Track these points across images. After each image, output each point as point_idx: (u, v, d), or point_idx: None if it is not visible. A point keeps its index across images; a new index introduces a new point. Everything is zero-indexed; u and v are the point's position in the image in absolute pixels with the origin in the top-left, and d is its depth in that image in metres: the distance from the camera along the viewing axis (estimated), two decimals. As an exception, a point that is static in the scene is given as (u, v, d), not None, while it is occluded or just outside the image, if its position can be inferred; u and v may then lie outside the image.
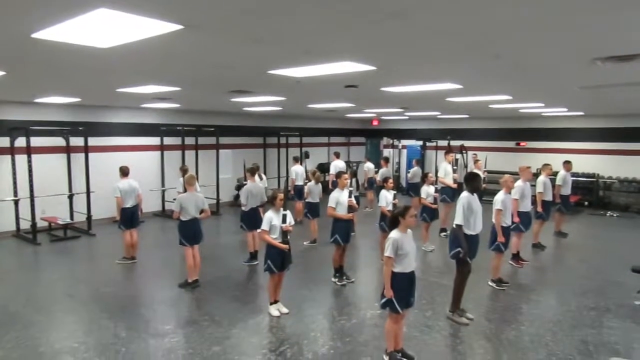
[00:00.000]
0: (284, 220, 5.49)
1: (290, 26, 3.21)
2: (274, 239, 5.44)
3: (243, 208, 7.77)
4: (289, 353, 4.68)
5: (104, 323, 5.40)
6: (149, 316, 5.67)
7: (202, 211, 6.67)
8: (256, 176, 8.02)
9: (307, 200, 9.34)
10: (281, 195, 5.58)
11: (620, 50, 3.95)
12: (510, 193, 6.97)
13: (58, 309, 5.88)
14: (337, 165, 12.08)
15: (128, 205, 7.71)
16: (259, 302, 6.17)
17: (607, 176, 13.59)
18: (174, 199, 12.02)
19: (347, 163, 16.90)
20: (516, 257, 7.78)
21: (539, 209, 8.78)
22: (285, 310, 5.71)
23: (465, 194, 5.55)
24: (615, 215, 12.65)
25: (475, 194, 5.60)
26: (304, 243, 9.11)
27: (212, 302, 6.12)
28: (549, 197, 8.91)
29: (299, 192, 10.97)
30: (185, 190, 6.77)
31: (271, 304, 5.74)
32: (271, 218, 5.46)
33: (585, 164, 13.64)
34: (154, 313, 5.80)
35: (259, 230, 5.80)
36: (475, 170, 10.93)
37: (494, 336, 5.10)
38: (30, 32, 3.31)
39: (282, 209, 5.53)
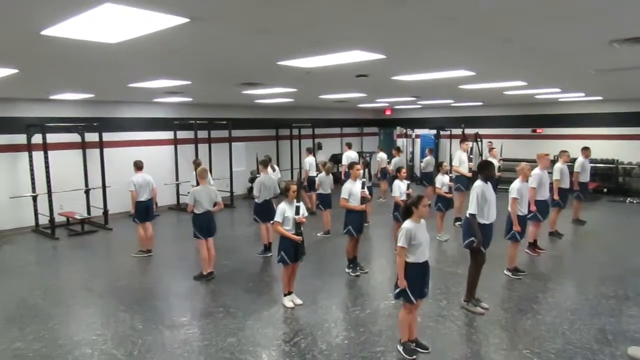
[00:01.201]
0: (297, 212, 5.47)
1: (297, 15, 3.17)
2: (287, 230, 5.43)
3: (256, 200, 7.76)
4: (303, 344, 4.70)
5: (121, 315, 5.49)
6: (165, 308, 5.75)
7: (215, 204, 6.70)
8: (269, 168, 8.01)
9: (318, 192, 9.40)
10: (294, 187, 5.56)
11: (638, 32, 3.82)
12: (527, 181, 6.85)
13: (76, 302, 5.99)
14: (350, 156, 12.06)
15: (142, 199, 7.82)
16: (273, 293, 6.21)
17: (627, 162, 13.27)
18: (188, 192, 12.27)
19: (360, 153, 16.88)
20: (533, 245, 7.67)
21: (556, 196, 8.63)
22: (299, 301, 5.74)
23: (479, 183, 5.47)
24: (635, 201, 12.38)
25: (489, 183, 5.52)
26: (318, 234, 9.13)
27: (226, 294, 6.17)
28: (566, 185, 8.75)
29: (311, 183, 10.97)
30: (198, 184, 6.80)
31: (285, 295, 5.77)
32: (284, 210, 5.44)
33: (604, 149, 13.34)
34: (169, 305, 5.88)
35: (272, 222, 5.80)
36: (490, 159, 10.83)
37: (509, 325, 5.05)
38: (39, 30, 3.34)
39: (295, 200, 5.53)
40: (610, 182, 13.31)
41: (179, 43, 4.00)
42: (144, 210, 7.86)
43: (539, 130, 15.25)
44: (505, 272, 6.63)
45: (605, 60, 5.42)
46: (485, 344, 4.69)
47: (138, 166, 7.91)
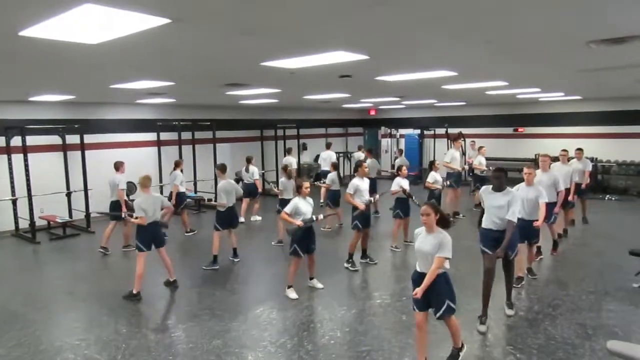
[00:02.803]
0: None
1: (279, 16, 3.17)
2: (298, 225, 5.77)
3: (219, 209, 7.32)
4: (289, 344, 4.70)
5: (105, 319, 5.42)
6: (149, 311, 5.70)
7: (162, 208, 6.35)
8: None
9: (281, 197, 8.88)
10: (307, 184, 5.97)
11: (614, 33, 3.92)
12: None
13: (58, 307, 5.90)
14: (328, 156, 12.45)
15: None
16: (258, 295, 6.20)
17: (605, 160, 13.57)
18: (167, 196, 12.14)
19: (345, 154, 16.94)
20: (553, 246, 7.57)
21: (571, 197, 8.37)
22: (320, 285, 6.22)
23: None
24: (614, 198, 12.66)
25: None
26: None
27: (212, 296, 6.14)
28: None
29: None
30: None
31: (288, 287, 5.99)
32: (297, 205, 5.82)
33: (584, 147, 13.55)
34: (154, 308, 5.83)
35: (283, 213, 5.96)
36: (480, 157, 11.07)
37: (492, 322, 5.12)
38: (17, 31, 3.28)
39: (308, 196, 5.94)
40: (589, 179, 13.54)
41: (161, 44, 3.97)
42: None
43: (520, 130, 15.49)
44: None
45: (583, 60, 5.53)
46: (470, 341, 4.73)
47: (117, 167, 8.22)
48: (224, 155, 13.42)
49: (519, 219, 5.17)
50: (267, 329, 5.10)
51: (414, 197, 7.69)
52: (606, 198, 12.71)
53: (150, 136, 12.28)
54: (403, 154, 13.91)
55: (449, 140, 14.68)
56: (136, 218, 6.02)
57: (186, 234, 9.54)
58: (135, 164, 9.72)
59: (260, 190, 10.65)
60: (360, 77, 6.74)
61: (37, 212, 9.56)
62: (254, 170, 10.49)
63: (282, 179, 8.72)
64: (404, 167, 8.10)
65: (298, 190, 6.01)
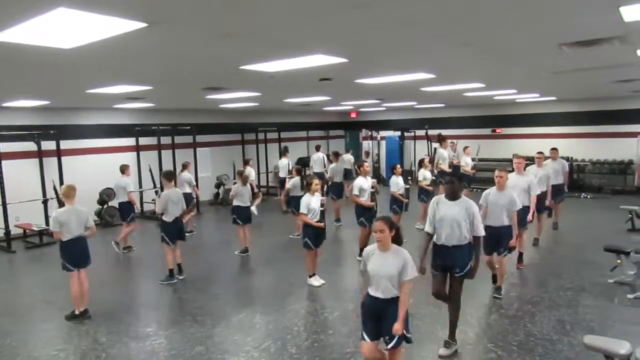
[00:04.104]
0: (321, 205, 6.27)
1: (257, 20, 3.18)
2: (311, 219, 6.15)
3: (164, 218, 6.78)
4: (272, 348, 4.68)
5: (84, 328, 5.31)
6: (130, 319, 5.60)
7: (86, 228, 5.65)
8: (173, 182, 7.18)
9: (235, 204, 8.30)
10: (316, 181, 6.29)
11: (584, 36, 4.03)
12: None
13: (36, 317, 5.75)
14: (318, 158, 12.73)
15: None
16: (241, 300, 6.16)
17: (580, 159, 13.90)
18: (153, 200, 11.99)
19: (328, 155, 16.92)
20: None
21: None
22: (322, 281, 6.44)
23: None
24: (589, 196, 12.96)
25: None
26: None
27: (193, 301, 6.07)
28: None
29: (281, 183, 11.54)
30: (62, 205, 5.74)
31: (310, 276, 6.45)
32: (309, 202, 6.14)
33: (559, 147, 13.78)
34: (135, 316, 5.73)
35: (301, 212, 6.20)
36: (465, 157, 11.26)
37: (474, 321, 5.19)
38: (-12, 35, 3.21)
39: (317, 193, 6.24)
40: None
41: (137, 48, 3.93)
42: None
43: (498, 130, 15.76)
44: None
45: (556, 62, 5.67)
46: (451, 340, 4.80)
47: (122, 170, 8.66)
48: (204, 159, 13.32)
49: (489, 226, 4.97)
50: (250, 334, 5.07)
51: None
52: (582, 196, 13.00)
53: (129, 141, 12.10)
54: (370, 156, 13.94)
55: (429, 142, 14.84)
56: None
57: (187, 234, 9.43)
58: (113, 170, 9.53)
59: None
60: (341, 80, 6.78)
61: (12, 221, 9.32)
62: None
63: (236, 185, 8.20)
64: (398, 166, 8.50)
65: (308, 188, 6.28)
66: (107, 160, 11.14)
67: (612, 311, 5.39)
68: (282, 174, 11.98)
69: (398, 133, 16.46)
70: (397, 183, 8.31)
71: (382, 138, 18.12)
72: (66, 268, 5.58)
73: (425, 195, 9.28)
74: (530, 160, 8.42)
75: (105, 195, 10.69)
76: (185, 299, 6.19)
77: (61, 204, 6.03)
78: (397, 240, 3.61)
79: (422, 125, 15.92)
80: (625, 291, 5.84)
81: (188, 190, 9.38)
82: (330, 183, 10.51)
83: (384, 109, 16.66)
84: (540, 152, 8.11)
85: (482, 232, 4.47)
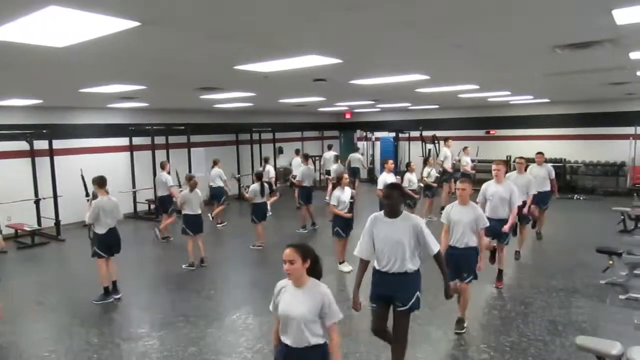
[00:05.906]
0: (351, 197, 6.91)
1: (252, 20, 3.17)
2: (341, 210, 6.78)
3: (96, 230, 6.03)
4: (266, 349, 4.66)
5: (75, 330, 5.27)
6: (122, 320, 5.57)
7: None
8: (106, 188, 6.20)
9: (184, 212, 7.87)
10: (346, 175, 7.05)
11: (577, 38, 4.05)
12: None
13: (27, 318, 5.70)
14: (327, 157, 13.34)
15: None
16: (234, 300, 6.14)
17: (573, 160, 13.99)
18: (146, 200, 11.93)
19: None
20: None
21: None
22: (350, 267, 6.83)
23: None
24: (582, 198, 13.04)
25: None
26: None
27: (186, 302, 6.04)
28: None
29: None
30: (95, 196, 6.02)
31: (340, 263, 6.97)
32: (339, 195, 6.81)
33: (552, 149, 13.99)
34: (127, 317, 5.70)
35: (332, 204, 6.90)
36: (464, 157, 11.61)
37: (466, 320, 5.19)
38: (-22, 33, 3.18)
39: (347, 187, 6.88)
40: (558, 180, 13.92)
41: (131, 47, 3.91)
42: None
43: (492, 132, 15.82)
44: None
45: (549, 64, 5.70)
46: (445, 341, 4.81)
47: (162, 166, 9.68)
48: (199, 159, 13.27)
49: (451, 247, 4.68)
50: (243, 335, 5.06)
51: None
52: (575, 197, 13.08)
53: (123, 141, 12.04)
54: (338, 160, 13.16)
55: (424, 143, 14.86)
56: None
57: (217, 225, 10.44)
58: (107, 170, 9.47)
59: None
60: (335, 80, 6.78)
61: (4, 221, 9.26)
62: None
63: (184, 192, 7.54)
64: (390, 161, 8.48)
65: (338, 182, 6.95)
66: (100, 160, 11.09)
67: (604, 312, 5.42)
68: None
69: (393, 134, 16.48)
70: (385, 181, 7.74)
71: (377, 139, 18.14)
72: (97, 254, 6.03)
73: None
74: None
75: (92, 196, 10.60)
76: (177, 300, 6.15)
77: (94, 196, 6.33)
78: (315, 272, 2.82)
79: (416, 127, 15.96)
80: (617, 292, 5.88)
81: (220, 184, 10.42)
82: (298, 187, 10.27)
83: (378, 109, 16.68)
84: (520, 158, 7.45)
85: (436, 249, 3.69)
